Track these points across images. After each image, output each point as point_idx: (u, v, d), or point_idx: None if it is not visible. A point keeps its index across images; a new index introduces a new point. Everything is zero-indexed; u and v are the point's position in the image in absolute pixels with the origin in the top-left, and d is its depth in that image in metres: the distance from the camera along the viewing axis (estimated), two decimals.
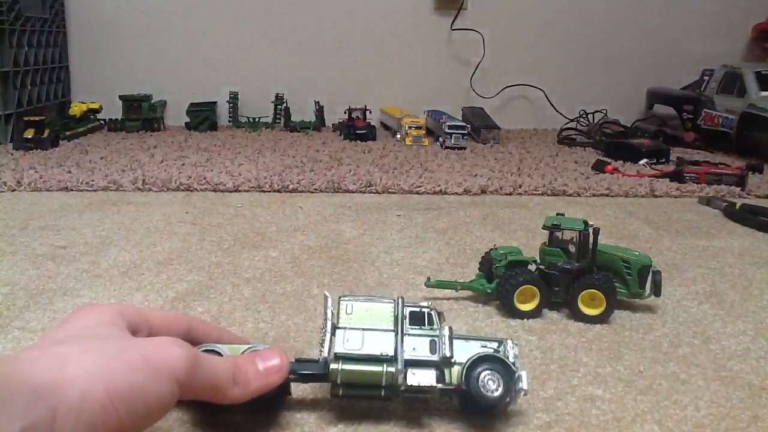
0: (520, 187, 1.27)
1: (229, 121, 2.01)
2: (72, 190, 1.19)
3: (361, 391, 0.46)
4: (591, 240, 0.67)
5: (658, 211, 1.15)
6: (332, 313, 0.47)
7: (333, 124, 1.98)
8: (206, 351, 0.45)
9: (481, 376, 0.45)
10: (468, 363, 0.46)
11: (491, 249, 0.72)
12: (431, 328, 0.47)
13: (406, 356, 0.46)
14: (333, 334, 0.46)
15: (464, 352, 0.46)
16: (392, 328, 0.47)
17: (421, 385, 0.45)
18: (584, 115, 2.09)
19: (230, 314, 0.66)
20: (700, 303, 0.73)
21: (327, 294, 0.48)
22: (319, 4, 2.08)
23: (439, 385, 0.45)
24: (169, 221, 1.00)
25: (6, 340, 0.59)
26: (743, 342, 0.63)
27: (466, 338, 0.48)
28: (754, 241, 0.98)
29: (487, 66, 2.13)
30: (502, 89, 2.15)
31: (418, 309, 0.48)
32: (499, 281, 0.68)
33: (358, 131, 1.80)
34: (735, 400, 0.52)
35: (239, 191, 1.22)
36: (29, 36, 1.74)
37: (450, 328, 0.47)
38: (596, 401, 0.52)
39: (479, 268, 0.73)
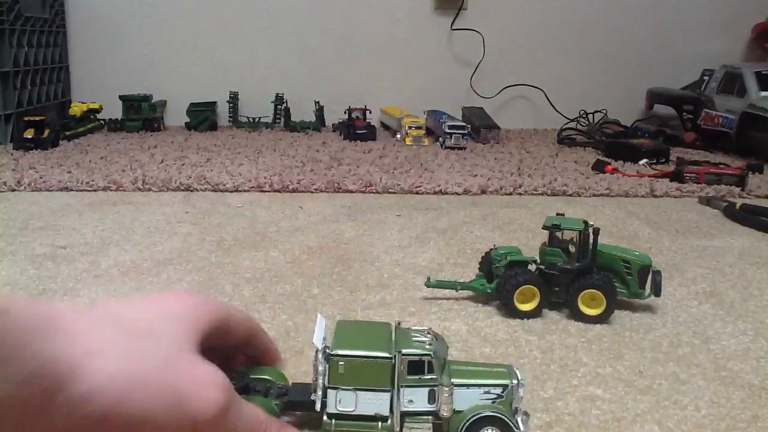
0: (520, 187, 1.27)
1: (229, 121, 2.01)
2: (72, 190, 1.19)
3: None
4: (591, 240, 0.67)
5: (658, 211, 1.15)
6: (322, 367, 0.44)
7: (333, 124, 1.98)
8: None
9: None
10: (466, 424, 0.43)
11: (491, 249, 0.72)
12: (430, 378, 0.43)
13: (403, 408, 0.43)
14: (324, 390, 0.44)
15: (465, 400, 0.44)
16: (388, 387, 0.43)
17: None
18: (584, 115, 2.09)
19: None
20: (700, 303, 0.73)
21: (320, 331, 0.45)
22: (320, 5, 2.08)
23: None
24: (169, 221, 1.00)
25: None
26: (743, 342, 0.63)
27: (468, 385, 0.44)
28: (754, 241, 0.98)
29: (487, 66, 2.13)
30: (502, 89, 2.15)
31: (417, 358, 0.43)
32: (499, 281, 0.68)
33: (358, 131, 1.80)
34: (735, 400, 0.52)
35: (239, 191, 1.22)
36: (29, 36, 1.74)
37: (451, 387, 0.43)
38: (596, 401, 0.52)
39: (479, 268, 0.73)
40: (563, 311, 0.68)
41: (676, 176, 1.36)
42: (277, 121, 1.99)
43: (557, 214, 0.71)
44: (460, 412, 0.43)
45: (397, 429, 0.43)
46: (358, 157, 1.54)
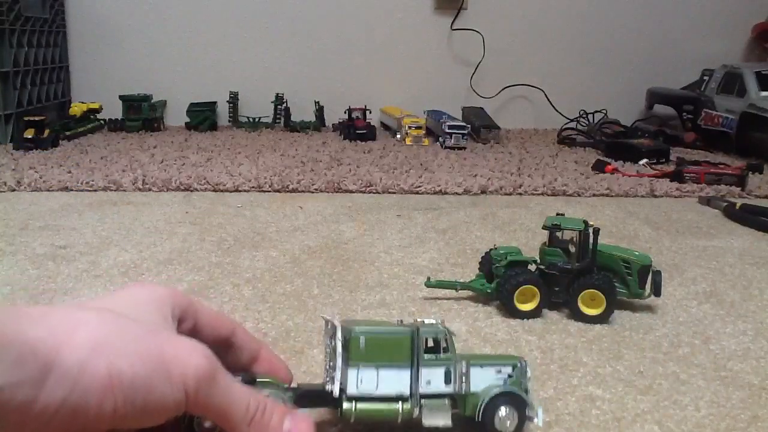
0: (520, 187, 1.27)
1: (229, 121, 2.01)
2: (72, 190, 1.19)
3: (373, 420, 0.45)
4: (591, 240, 0.67)
5: (658, 211, 1.15)
6: (342, 347, 0.43)
7: (333, 124, 1.98)
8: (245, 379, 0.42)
9: (499, 414, 0.44)
10: (485, 401, 0.44)
11: (491, 249, 0.72)
12: (446, 356, 0.44)
13: (421, 391, 0.44)
14: (345, 370, 0.43)
15: (479, 380, 0.45)
16: (408, 364, 0.44)
17: (438, 424, 0.43)
18: (584, 115, 2.09)
19: (230, 314, 0.66)
20: (700, 303, 0.73)
21: (335, 322, 0.44)
22: (320, 5, 2.08)
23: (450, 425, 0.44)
24: (169, 221, 1.00)
25: None
26: (743, 342, 0.63)
27: (481, 364, 0.45)
28: (754, 241, 0.98)
29: (487, 66, 2.13)
30: (502, 89, 2.15)
31: (434, 335, 0.44)
32: (499, 281, 0.68)
33: (358, 131, 1.80)
34: (735, 400, 0.52)
35: (239, 191, 1.22)
36: (29, 36, 1.74)
37: (468, 363, 0.45)
38: (596, 401, 0.52)
39: (479, 268, 0.73)
40: (563, 311, 0.68)
41: (676, 176, 1.36)
42: (277, 121, 1.99)
43: (557, 214, 0.71)
44: (475, 393, 0.44)
45: (418, 408, 0.43)
46: (358, 157, 1.54)
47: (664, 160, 1.55)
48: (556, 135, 1.92)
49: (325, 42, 2.10)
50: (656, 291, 0.68)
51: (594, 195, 1.26)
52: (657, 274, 0.68)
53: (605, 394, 0.53)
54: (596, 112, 2.09)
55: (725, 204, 1.14)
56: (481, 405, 0.44)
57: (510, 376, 0.45)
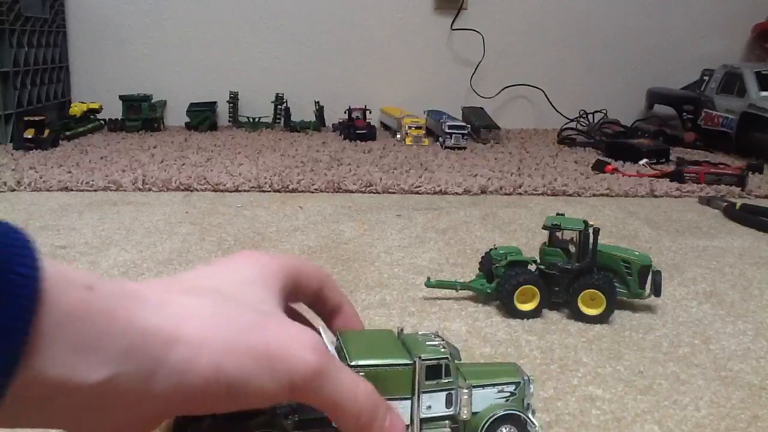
0: (520, 187, 1.27)
1: (229, 121, 2.01)
2: (72, 190, 1.19)
3: None
4: (591, 240, 0.67)
5: (658, 211, 1.15)
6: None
7: (333, 124, 1.98)
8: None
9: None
10: (486, 424, 0.43)
11: (491, 249, 0.72)
12: (448, 382, 0.43)
13: (422, 416, 0.42)
14: None
15: (481, 400, 0.44)
16: (408, 395, 0.42)
17: None
18: (584, 115, 2.09)
19: None
20: (700, 303, 0.73)
21: (326, 341, 0.42)
22: (319, 5, 2.08)
23: None
24: (169, 221, 1.00)
25: None
26: (743, 342, 0.63)
27: (483, 385, 0.44)
28: (754, 241, 0.98)
29: (487, 66, 2.13)
30: (502, 89, 2.15)
31: (435, 362, 0.42)
32: (499, 281, 0.68)
33: (358, 131, 1.80)
34: (735, 400, 0.52)
35: (239, 191, 1.22)
36: (29, 36, 1.74)
37: (470, 389, 0.43)
38: (596, 401, 0.52)
39: (479, 268, 0.73)
40: (563, 311, 0.68)
41: (676, 176, 1.36)
42: (277, 121, 1.99)
43: (557, 214, 0.71)
44: (476, 413, 0.44)
45: None
46: (358, 157, 1.54)
47: (664, 160, 1.55)
48: (556, 135, 1.92)
49: (325, 42, 2.10)
50: (656, 291, 0.68)
51: (594, 195, 1.26)
52: (657, 274, 0.68)
53: (605, 394, 0.53)
54: (596, 112, 2.09)
55: (725, 204, 1.14)
56: (482, 428, 0.43)
57: (512, 393, 0.45)
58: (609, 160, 1.52)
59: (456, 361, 0.45)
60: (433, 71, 2.15)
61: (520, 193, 1.26)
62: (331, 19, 2.09)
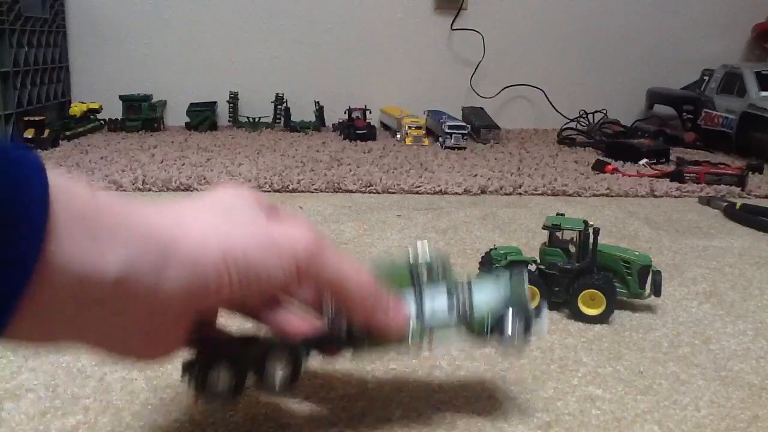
0: (520, 187, 1.27)
1: (229, 121, 2.01)
2: None
3: (370, 353, 0.45)
4: (591, 240, 0.67)
5: (658, 211, 1.15)
6: None
7: (333, 124, 1.98)
8: None
9: (507, 327, 0.45)
10: (490, 314, 0.45)
11: (491, 249, 0.72)
12: (445, 281, 0.45)
13: (427, 315, 0.44)
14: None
15: (482, 299, 0.45)
16: (411, 288, 0.44)
17: (446, 345, 0.45)
18: (584, 115, 2.09)
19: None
20: (700, 303, 0.73)
21: None
22: (319, 5, 2.08)
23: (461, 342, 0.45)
24: None
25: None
26: (743, 342, 0.63)
27: (481, 285, 0.46)
28: (754, 241, 0.98)
29: (487, 66, 2.13)
30: (502, 89, 2.15)
31: (430, 260, 0.46)
32: None
33: (358, 131, 1.80)
34: (735, 400, 0.52)
35: None
36: (29, 36, 1.74)
37: (469, 283, 0.45)
38: (596, 401, 0.52)
39: (479, 268, 0.73)
40: (563, 311, 0.68)
41: (676, 176, 1.36)
42: (277, 121, 1.99)
43: (557, 214, 0.71)
44: (479, 311, 0.45)
45: (427, 330, 0.43)
46: (358, 157, 1.54)
47: (664, 160, 1.55)
48: (556, 135, 1.92)
49: (325, 42, 2.10)
50: (656, 291, 0.68)
51: (594, 195, 1.26)
52: (657, 274, 0.68)
53: (605, 394, 0.53)
54: (596, 112, 2.09)
55: (725, 204, 1.14)
56: (487, 321, 0.44)
57: (511, 290, 0.46)
58: (609, 160, 1.52)
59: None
60: (433, 71, 2.15)
61: (520, 193, 1.26)
62: (331, 19, 2.09)
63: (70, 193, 0.29)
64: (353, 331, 0.42)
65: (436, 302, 0.44)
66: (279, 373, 0.42)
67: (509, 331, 0.45)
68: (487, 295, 0.46)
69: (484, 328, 0.45)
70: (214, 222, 0.35)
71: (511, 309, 0.45)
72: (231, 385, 0.41)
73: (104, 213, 0.31)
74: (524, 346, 0.46)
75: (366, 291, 0.40)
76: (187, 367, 0.41)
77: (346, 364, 0.56)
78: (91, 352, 0.34)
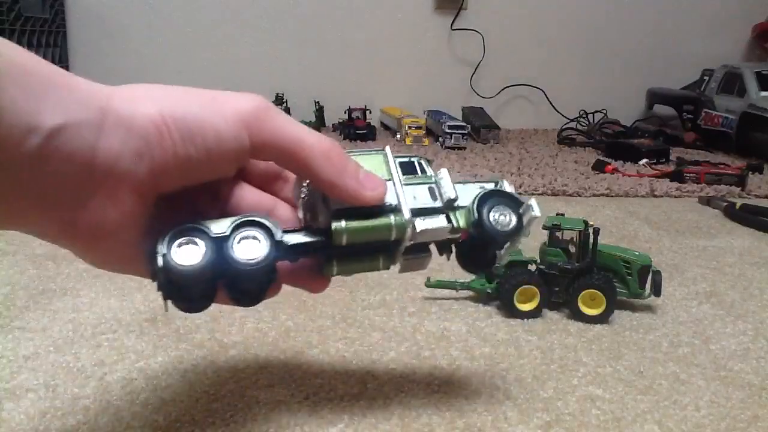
0: (520, 187, 1.27)
1: None
2: None
3: (359, 263, 0.41)
4: (591, 240, 0.67)
5: (658, 211, 1.15)
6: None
7: (333, 124, 1.98)
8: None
9: (492, 212, 0.42)
10: (476, 200, 0.42)
11: None
12: (425, 176, 0.42)
13: (410, 204, 0.40)
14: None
15: (465, 195, 0.42)
16: (389, 177, 0.40)
17: (434, 227, 0.40)
18: (584, 115, 2.09)
19: (230, 314, 0.66)
20: (700, 303, 0.73)
21: None
22: (320, 4, 2.08)
23: (449, 227, 0.41)
24: None
25: (6, 340, 0.59)
26: (743, 342, 0.63)
27: (464, 182, 0.43)
28: (754, 241, 0.98)
29: (487, 66, 2.13)
30: (502, 89, 2.15)
31: (407, 159, 0.42)
32: (499, 281, 0.68)
33: (358, 131, 1.80)
34: (735, 400, 0.52)
35: None
36: (29, 36, 1.74)
37: (447, 170, 0.42)
38: (596, 401, 0.52)
39: None
40: (563, 311, 0.68)
41: (676, 176, 1.36)
42: None
43: (557, 214, 0.71)
44: (463, 204, 0.42)
45: (410, 219, 0.39)
46: None
47: (664, 160, 1.55)
48: (556, 135, 1.92)
49: (325, 42, 2.10)
50: (656, 291, 0.68)
51: (594, 195, 1.26)
52: (657, 274, 0.68)
53: (605, 394, 0.53)
54: (596, 112, 2.10)
55: (725, 204, 1.14)
56: (472, 206, 0.42)
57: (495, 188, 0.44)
58: (609, 160, 1.52)
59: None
60: (433, 71, 2.15)
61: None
62: (331, 20, 2.09)
63: (11, 47, 0.29)
64: (330, 210, 0.38)
65: (417, 191, 0.41)
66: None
67: (499, 219, 0.42)
68: (470, 193, 0.42)
69: (469, 218, 0.41)
70: (154, 89, 0.34)
71: (497, 200, 0.42)
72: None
73: (44, 73, 0.30)
74: (519, 235, 0.44)
75: (328, 148, 0.37)
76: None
77: (346, 364, 0.56)
78: (34, 231, 0.34)
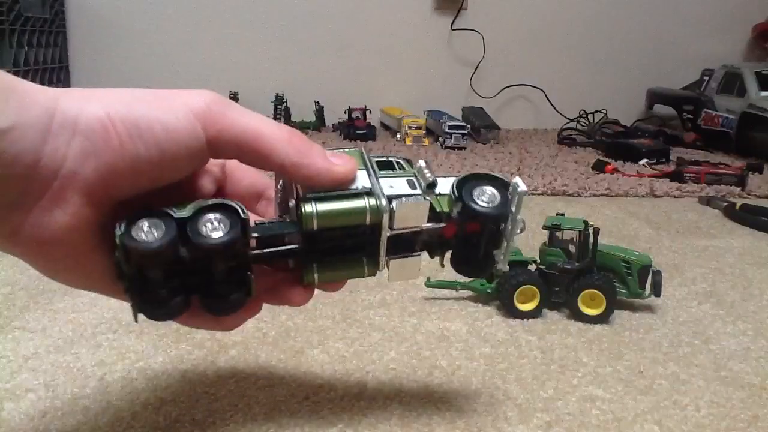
0: None
1: None
2: None
3: (341, 268, 0.38)
4: (591, 240, 0.67)
5: (658, 211, 1.15)
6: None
7: (333, 124, 1.98)
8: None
9: (474, 191, 0.39)
10: (455, 183, 0.39)
11: None
12: (403, 171, 0.39)
13: (387, 192, 0.37)
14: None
15: (448, 185, 0.39)
16: (364, 168, 0.38)
17: (413, 209, 0.37)
18: (584, 115, 2.09)
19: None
20: (700, 303, 0.73)
21: None
22: (319, 5, 2.08)
23: (428, 223, 0.38)
24: None
25: (6, 340, 0.59)
26: (743, 342, 0.63)
27: (445, 176, 0.40)
28: (754, 241, 0.98)
29: (487, 66, 2.13)
30: (502, 89, 2.15)
31: (384, 158, 0.40)
32: (499, 281, 0.68)
33: (358, 131, 1.80)
34: (735, 400, 0.52)
35: None
36: (29, 36, 1.74)
37: (425, 161, 0.40)
38: (596, 401, 0.52)
39: None
40: (563, 311, 0.68)
41: (676, 176, 1.36)
42: (277, 120, 1.99)
43: (557, 214, 0.71)
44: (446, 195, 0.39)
45: (386, 200, 0.36)
46: None
47: (664, 160, 1.55)
48: (556, 135, 1.92)
49: (325, 42, 2.10)
50: (656, 291, 0.68)
51: (594, 195, 1.26)
52: (657, 274, 0.68)
53: (605, 394, 0.53)
54: (596, 112, 2.10)
55: (725, 204, 1.14)
56: (453, 188, 0.39)
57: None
58: (609, 160, 1.52)
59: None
60: (433, 71, 2.15)
61: None
62: (331, 19, 2.09)
63: None
64: (303, 200, 0.35)
65: (395, 181, 0.38)
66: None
67: (483, 196, 0.39)
68: (449, 179, 0.40)
69: (450, 203, 0.39)
70: (102, 91, 0.33)
71: (478, 183, 0.39)
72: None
73: None
74: (507, 214, 0.39)
75: (288, 133, 0.35)
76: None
77: (346, 364, 0.56)
78: None
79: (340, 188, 0.36)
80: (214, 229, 0.33)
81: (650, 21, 2.19)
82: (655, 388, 0.54)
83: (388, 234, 0.37)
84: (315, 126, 1.96)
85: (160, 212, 0.33)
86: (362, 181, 0.37)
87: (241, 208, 0.34)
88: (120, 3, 2.02)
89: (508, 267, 0.42)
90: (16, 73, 1.53)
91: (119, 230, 0.32)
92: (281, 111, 1.98)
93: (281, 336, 0.61)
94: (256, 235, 0.36)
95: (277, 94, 1.98)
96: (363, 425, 0.47)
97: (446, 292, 0.72)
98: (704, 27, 2.21)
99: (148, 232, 0.32)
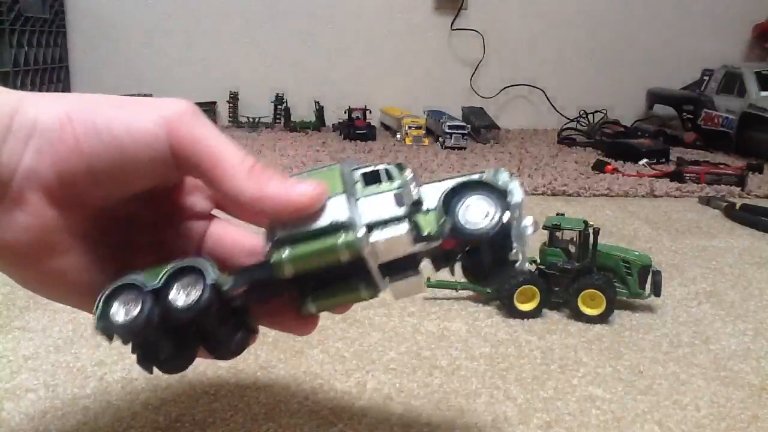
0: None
1: (229, 121, 2.01)
2: None
3: (338, 296, 0.35)
4: (591, 240, 0.67)
5: (658, 211, 1.15)
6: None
7: (333, 124, 1.98)
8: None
9: (465, 206, 0.35)
10: (442, 197, 0.35)
11: None
12: (391, 183, 0.35)
13: (366, 220, 0.33)
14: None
15: (438, 192, 0.35)
16: (340, 191, 0.34)
17: (391, 237, 0.33)
18: (584, 115, 2.09)
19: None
20: (700, 303, 0.73)
21: None
22: (320, 4, 2.08)
23: (416, 246, 0.34)
24: None
25: (6, 340, 0.59)
26: (743, 342, 0.63)
27: (440, 179, 0.36)
28: (754, 241, 0.98)
29: (487, 66, 2.13)
30: (502, 89, 2.15)
31: (371, 169, 0.36)
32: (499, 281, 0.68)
33: (358, 131, 1.80)
34: (735, 400, 0.52)
35: None
36: (29, 36, 1.74)
37: (413, 172, 0.36)
38: (596, 401, 0.52)
39: None
40: (563, 311, 0.68)
41: (676, 176, 1.36)
42: (277, 121, 1.99)
43: (557, 214, 0.71)
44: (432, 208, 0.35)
45: (363, 235, 0.33)
46: (358, 157, 1.54)
47: (664, 160, 1.55)
48: (556, 135, 1.92)
49: (325, 42, 2.10)
50: (656, 291, 0.68)
51: (594, 195, 1.26)
52: (657, 274, 0.68)
53: (605, 394, 0.53)
54: (596, 112, 2.09)
55: (725, 204, 1.14)
56: (439, 204, 0.35)
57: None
58: (609, 160, 1.52)
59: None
60: (433, 71, 2.15)
61: None
62: (330, 19, 2.09)
63: None
64: (273, 245, 0.33)
65: (380, 200, 0.34)
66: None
67: (470, 216, 0.35)
68: (443, 189, 0.35)
69: (437, 220, 0.34)
70: (65, 94, 0.32)
71: (475, 190, 0.35)
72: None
73: None
74: (493, 230, 0.34)
75: (248, 160, 0.33)
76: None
77: (346, 364, 0.56)
78: None
79: (312, 220, 0.33)
80: (187, 295, 0.32)
81: (650, 21, 2.19)
82: (655, 388, 0.54)
83: (376, 263, 0.34)
84: (315, 126, 1.96)
85: (132, 285, 0.32)
86: (337, 209, 0.33)
87: (207, 271, 0.32)
88: (120, 3, 2.02)
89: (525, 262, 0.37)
90: (16, 73, 1.53)
91: (96, 310, 0.32)
92: (281, 111, 1.98)
93: (281, 336, 0.61)
94: (242, 289, 0.33)
95: (277, 94, 1.98)
96: (363, 425, 0.47)
97: (446, 292, 0.72)
98: (704, 27, 2.21)
99: (123, 311, 0.32)
